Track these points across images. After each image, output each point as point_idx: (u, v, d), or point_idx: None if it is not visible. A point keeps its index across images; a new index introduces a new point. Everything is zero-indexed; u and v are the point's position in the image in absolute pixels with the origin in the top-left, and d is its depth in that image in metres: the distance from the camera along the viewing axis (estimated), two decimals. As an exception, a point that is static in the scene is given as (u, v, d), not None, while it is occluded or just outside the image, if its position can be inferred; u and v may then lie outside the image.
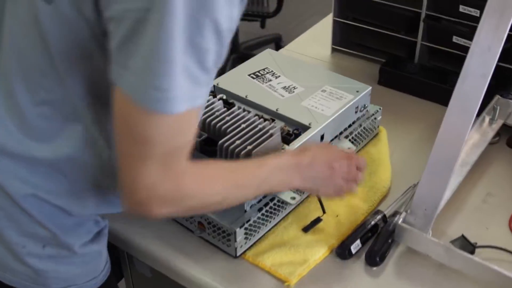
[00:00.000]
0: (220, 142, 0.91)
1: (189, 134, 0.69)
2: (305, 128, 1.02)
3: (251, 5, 2.88)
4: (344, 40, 1.47)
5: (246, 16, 2.81)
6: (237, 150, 0.89)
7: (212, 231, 0.94)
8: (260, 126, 0.94)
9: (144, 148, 0.66)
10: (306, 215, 1.01)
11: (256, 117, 0.97)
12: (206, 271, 0.92)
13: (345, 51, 1.46)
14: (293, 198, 0.95)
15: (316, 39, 1.55)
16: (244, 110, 1.03)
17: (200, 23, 0.62)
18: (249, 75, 1.16)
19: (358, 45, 1.45)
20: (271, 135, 0.92)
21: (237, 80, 1.14)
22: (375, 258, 0.92)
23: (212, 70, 0.67)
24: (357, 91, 1.10)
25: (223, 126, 0.94)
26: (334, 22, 1.45)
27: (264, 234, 0.97)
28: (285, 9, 2.84)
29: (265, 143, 0.91)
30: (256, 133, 0.93)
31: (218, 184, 0.78)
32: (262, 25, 2.92)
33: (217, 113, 0.97)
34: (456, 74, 0.83)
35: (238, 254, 0.93)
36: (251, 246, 0.95)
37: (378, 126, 1.17)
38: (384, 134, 1.18)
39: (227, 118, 0.96)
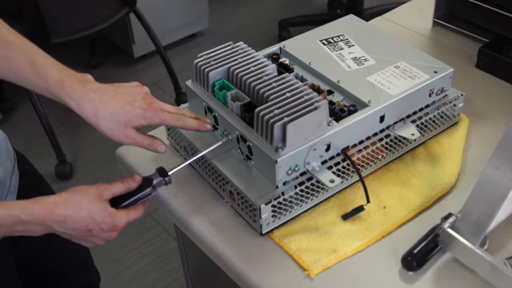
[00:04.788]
0: (257, 109, 0.83)
1: None
2: (363, 105, 0.91)
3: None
4: (449, 13, 1.31)
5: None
6: (272, 120, 0.81)
7: (241, 202, 0.88)
8: (306, 97, 0.85)
9: None
10: (350, 201, 0.91)
11: (306, 87, 0.88)
12: (227, 243, 0.87)
13: (447, 26, 1.30)
14: (332, 181, 0.86)
15: (420, 10, 1.40)
16: (300, 79, 0.94)
17: None
18: (320, 40, 1.06)
19: (463, 21, 1.29)
20: (315, 108, 0.83)
21: (306, 45, 1.05)
22: (412, 262, 0.81)
23: None
24: (435, 72, 0.97)
25: (266, 92, 0.86)
26: (439, -9, 1.29)
27: (298, 215, 0.89)
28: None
29: (306, 116, 0.82)
30: (299, 104, 0.84)
31: None
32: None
33: (265, 78, 0.89)
34: None
35: (263, 232, 0.86)
36: (281, 225, 0.88)
37: (458, 115, 1.03)
38: (464, 124, 1.04)
39: (274, 84, 0.88)
